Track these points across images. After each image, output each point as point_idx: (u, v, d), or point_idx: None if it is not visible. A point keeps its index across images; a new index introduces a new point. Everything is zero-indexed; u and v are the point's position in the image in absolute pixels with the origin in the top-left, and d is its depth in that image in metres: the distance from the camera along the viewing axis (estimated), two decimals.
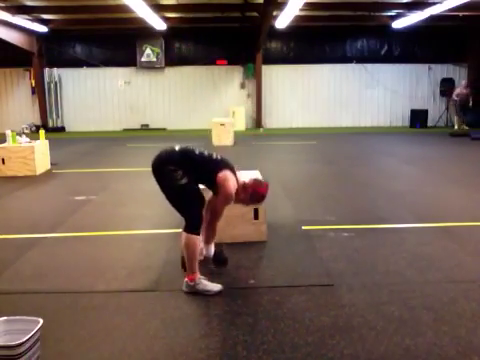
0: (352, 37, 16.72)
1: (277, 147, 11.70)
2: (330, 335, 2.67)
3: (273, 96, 17.03)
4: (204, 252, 3.67)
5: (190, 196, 3.24)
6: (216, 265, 3.65)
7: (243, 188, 3.44)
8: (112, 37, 16.24)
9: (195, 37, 16.60)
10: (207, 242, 3.68)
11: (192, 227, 3.23)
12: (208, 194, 3.57)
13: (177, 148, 3.36)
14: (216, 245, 3.72)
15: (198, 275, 3.27)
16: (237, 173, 3.46)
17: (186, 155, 3.33)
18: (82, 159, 10.13)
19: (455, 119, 15.35)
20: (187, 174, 3.21)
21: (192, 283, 3.24)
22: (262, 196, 3.51)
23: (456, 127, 15.12)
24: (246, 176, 4.63)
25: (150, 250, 4.20)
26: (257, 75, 16.52)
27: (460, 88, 15.25)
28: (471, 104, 15.44)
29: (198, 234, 3.25)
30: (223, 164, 3.39)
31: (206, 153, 3.42)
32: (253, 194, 3.46)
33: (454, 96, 15.24)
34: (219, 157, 3.45)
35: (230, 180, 3.30)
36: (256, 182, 3.50)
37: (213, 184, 3.34)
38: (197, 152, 3.38)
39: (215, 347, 2.58)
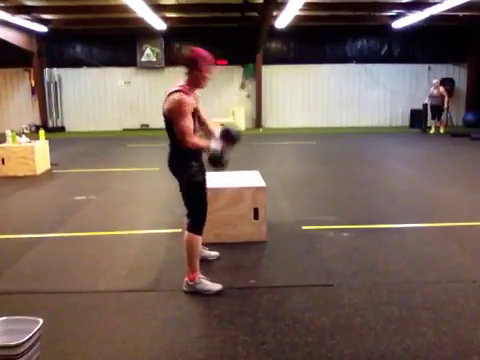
0: (352, 37, 16.72)
1: (277, 147, 11.70)
2: (330, 335, 2.67)
3: (273, 96, 17.03)
4: (211, 145, 3.24)
5: (200, 195, 3.26)
6: (231, 142, 3.28)
7: (191, 77, 3.15)
8: (112, 37, 16.23)
9: (195, 37, 16.54)
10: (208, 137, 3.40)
11: (195, 226, 3.25)
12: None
13: None
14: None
15: (198, 275, 3.27)
16: (173, 87, 3.19)
17: (169, 139, 3.23)
18: (82, 159, 10.13)
19: (437, 122, 14.33)
20: (199, 163, 3.20)
21: (192, 283, 3.25)
22: (205, 58, 3.14)
23: (433, 130, 14.18)
24: (244, 176, 4.64)
25: (150, 250, 4.21)
26: (257, 75, 16.53)
27: (432, 88, 14.27)
28: (446, 106, 14.35)
29: (200, 234, 3.27)
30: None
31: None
32: (200, 67, 3.11)
33: (426, 98, 14.41)
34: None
35: (169, 98, 3.10)
36: (188, 60, 3.16)
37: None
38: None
39: (215, 347, 2.58)
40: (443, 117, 14.74)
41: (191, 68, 3.15)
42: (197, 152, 3.21)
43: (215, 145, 3.21)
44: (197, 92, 3.31)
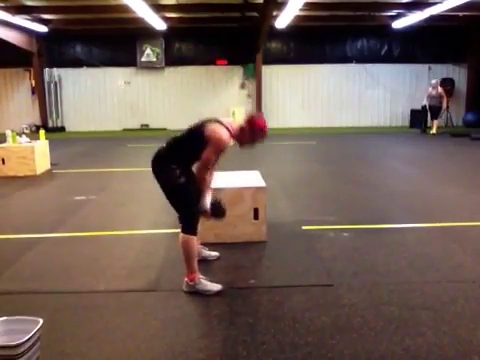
0: (352, 37, 16.72)
1: (277, 147, 11.69)
2: (330, 335, 2.67)
3: (273, 96, 17.03)
4: (206, 200, 3.37)
5: (188, 195, 3.24)
6: (214, 216, 3.49)
7: (241, 131, 3.34)
8: (112, 37, 16.23)
9: (195, 37, 16.60)
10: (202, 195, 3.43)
11: (189, 227, 3.23)
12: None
13: (164, 144, 3.35)
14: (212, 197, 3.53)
15: (198, 275, 3.27)
16: (225, 121, 3.32)
17: (172, 143, 3.31)
18: (82, 159, 10.13)
19: (433, 122, 14.10)
20: (185, 169, 3.21)
21: (192, 283, 3.25)
22: (262, 130, 3.38)
23: (433, 131, 13.94)
24: (245, 178, 4.65)
25: (150, 250, 4.21)
26: (257, 75, 16.52)
27: (430, 89, 14.05)
28: (445, 106, 14.26)
29: (195, 234, 3.26)
30: (206, 122, 3.29)
31: (187, 127, 3.37)
32: (252, 132, 3.34)
33: (424, 99, 14.18)
34: (200, 121, 3.34)
35: (216, 128, 3.21)
36: (249, 119, 3.36)
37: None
38: (179, 134, 3.35)
39: (215, 347, 2.58)
40: (439, 118, 14.47)
41: (248, 127, 3.33)
42: (188, 168, 3.27)
43: (207, 203, 3.35)
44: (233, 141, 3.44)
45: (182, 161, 3.24)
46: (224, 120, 3.33)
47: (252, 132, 3.34)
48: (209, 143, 3.16)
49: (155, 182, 3.35)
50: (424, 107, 14.38)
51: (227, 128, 3.25)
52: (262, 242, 4.28)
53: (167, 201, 3.33)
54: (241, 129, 3.34)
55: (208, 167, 3.23)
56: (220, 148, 3.19)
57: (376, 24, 15.35)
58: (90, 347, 2.61)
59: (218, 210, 3.48)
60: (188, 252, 3.23)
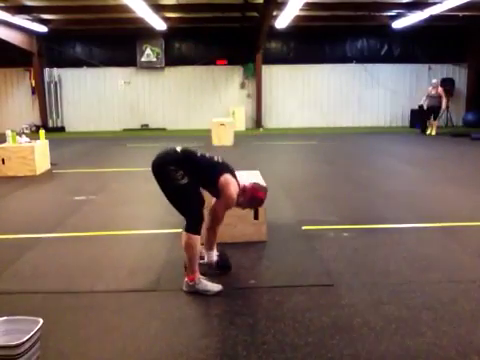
0: (352, 37, 16.73)
1: (277, 147, 11.70)
2: (330, 335, 2.67)
3: (273, 96, 17.04)
4: (206, 258, 3.57)
5: (191, 196, 3.24)
6: (220, 271, 3.59)
7: (242, 192, 3.42)
8: (112, 37, 16.24)
9: (195, 37, 16.61)
10: (209, 248, 3.58)
11: (193, 227, 3.23)
12: (211, 199, 3.57)
13: (178, 149, 3.35)
14: (218, 250, 3.64)
15: (198, 275, 3.27)
16: (237, 176, 3.45)
17: (187, 156, 3.34)
18: (82, 159, 10.14)
19: (432, 123, 13.94)
20: (187, 175, 3.21)
21: (192, 283, 3.25)
22: (261, 200, 3.52)
23: (430, 132, 13.86)
24: (246, 177, 4.64)
25: (150, 250, 4.20)
26: (257, 75, 16.53)
27: (430, 88, 13.92)
28: (445, 107, 14.16)
29: (199, 234, 3.26)
30: (224, 167, 3.39)
31: (207, 156, 3.42)
32: (252, 198, 3.46)
33: (423, 99, 14.02)
34: (220, 160, 3.44)
35: (231, 184, 3.30)
36: (255, 186, 3.49)
37: (214, 187, 3.33)
38: (198, 154, 3.38)
39: (215, 347, 2.58)
40: (437, 119, 14.30)
41: (250, 192, 3.45)
42: (191, 177, 3.24)
43: (214, 256, 3.56)
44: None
45: (188, 171, 3.22)
46: (237, 174, 3.47)
47: (251, 197, 3.45)
48: (221, 196, 3.31)
49: (155, 182, 3.35)
50: (421, 107, 14.29)
51: (239, 188, 3.39)
52: (262, 242, 4.28)
53: (167, 201, 3.32)
54: (243, 189, 3.43)
55: (217, 220, 3.42)
56: (228, 203, 3.33)
57: (376, 24, 15.35)
58: (90, 347, 2.61)
59: (224, 263, 3.61)
60: (191, 252, 3.23)
